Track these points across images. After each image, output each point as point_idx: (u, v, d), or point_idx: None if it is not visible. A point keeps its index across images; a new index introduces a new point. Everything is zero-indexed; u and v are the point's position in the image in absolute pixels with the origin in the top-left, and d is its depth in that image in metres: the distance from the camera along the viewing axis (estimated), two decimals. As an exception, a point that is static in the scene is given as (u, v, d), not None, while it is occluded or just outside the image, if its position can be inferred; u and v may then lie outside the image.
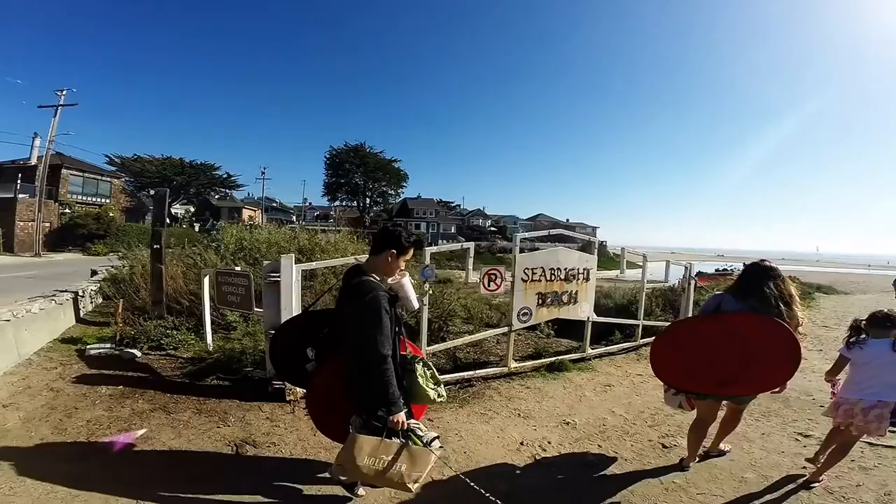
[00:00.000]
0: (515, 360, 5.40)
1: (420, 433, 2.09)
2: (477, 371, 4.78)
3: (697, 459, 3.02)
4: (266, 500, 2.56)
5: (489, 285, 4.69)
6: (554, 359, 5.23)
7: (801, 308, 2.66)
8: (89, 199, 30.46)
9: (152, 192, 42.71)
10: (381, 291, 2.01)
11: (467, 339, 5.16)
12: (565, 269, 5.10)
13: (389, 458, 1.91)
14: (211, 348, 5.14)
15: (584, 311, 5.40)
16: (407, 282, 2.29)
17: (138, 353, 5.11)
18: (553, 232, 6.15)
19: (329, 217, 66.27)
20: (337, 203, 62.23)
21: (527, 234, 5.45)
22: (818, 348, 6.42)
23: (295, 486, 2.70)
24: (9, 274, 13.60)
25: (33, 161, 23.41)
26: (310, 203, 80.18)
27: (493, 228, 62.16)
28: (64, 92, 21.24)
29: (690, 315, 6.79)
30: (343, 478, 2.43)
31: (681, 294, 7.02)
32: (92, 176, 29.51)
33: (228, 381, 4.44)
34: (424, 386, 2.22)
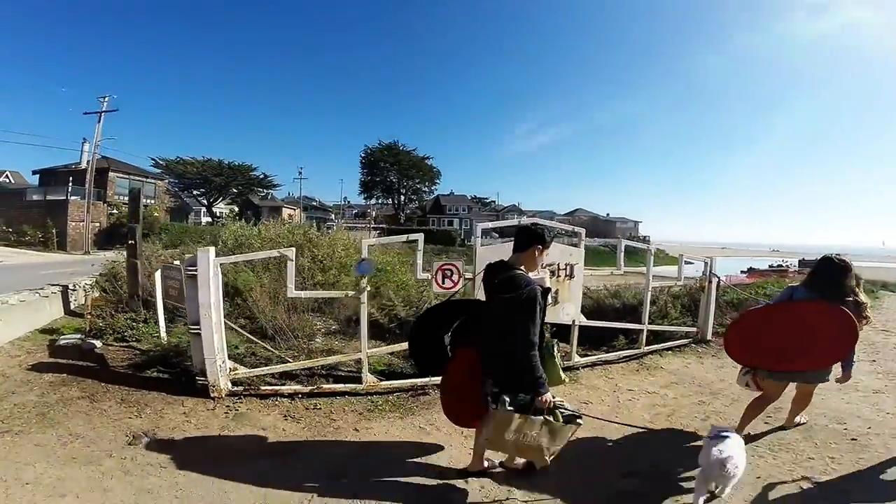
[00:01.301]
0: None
1: (563, 411, 2.36)
2: (433, 378, 4.25)
3: (746, 433, 3.06)
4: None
5: (443, 282, 4.17)
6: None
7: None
8: (136, 199, 32.65)
9: (195, 192, 45.81)
10: (535, 285, 2.22)
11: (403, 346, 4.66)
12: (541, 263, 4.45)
13: (533, 433, 2.25)
14: (165, 341, 5.04)
15: (567, 312, 4.72)
16: (546, 275, 2.75)
17: (98, 344, 5.12)
18: (525, 221, 5.43)
19: (366, 215, 67.70)
20: (373, 201, 63.53)
21: (491, 224, 4.83)
22: (871, 358, 5.28)
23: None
24: (54, 270, 14.71)
25: (83, 165, 25.48)
26: (348, 201, 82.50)
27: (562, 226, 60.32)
28: (106, 98, 22.93)
29: (711, 317, 5.92)
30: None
31: (702, 292, 6.08)
32: (137, 178, 31.70)
33: (168, 373, 4.38)
34: (559, 368, 2.51)
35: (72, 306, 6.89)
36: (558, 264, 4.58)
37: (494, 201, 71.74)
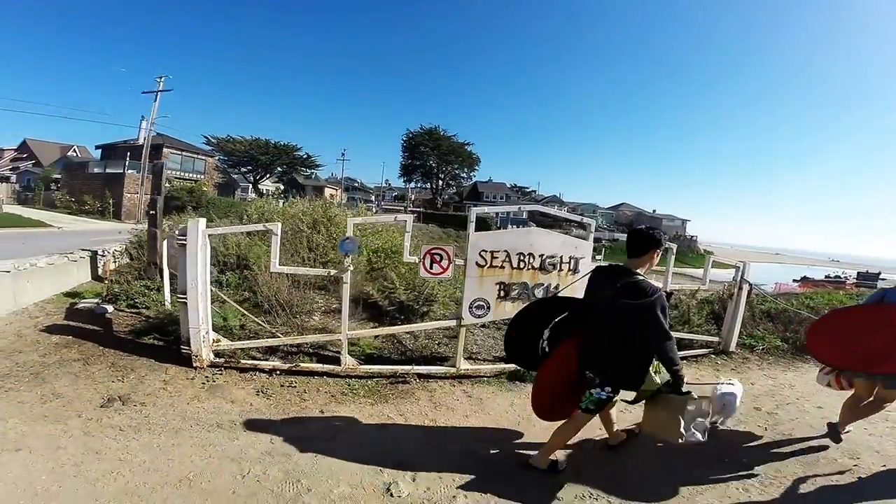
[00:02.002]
0: (476, 362, 4.66)
1: (693, 396, 2.56)
2: (416, 367, 4.14)
3: (847, 430, 3.27)
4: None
5: (432, 267, 3.99)
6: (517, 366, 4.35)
7: None
8: (187, 174, 34.76)
9: (242, 169, 48.08)
10: (661, 290, 2.39)
11: (387, 330, 4.58)
12: (540, 255, 4.15)
13: (672, 412, 2.53)
14: (170, 309, 5.22)
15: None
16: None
17: (110, 309, 5.39)
18: (526, 208, 5.11)
19: (405, 198, 68.44)
20: (412, 185, 64.02)
21: (488, 209, 4.54)
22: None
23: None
24: (103, 237, 15.99)
25: (140, 141, 27.26)
26: (389, 184, 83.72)
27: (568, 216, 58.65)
28: (163, 78, 24.27)
29: (738, 327, 5.37)
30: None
31: (729, 300, 5.50)
32: (189, 154, 33.65)
33: (163, 341, 4.51)
34: (652, 373, 2.59)
35: (99, 271, 7.35)
36: (560, 257, 4.23)
37: (535, 191, 69.98)
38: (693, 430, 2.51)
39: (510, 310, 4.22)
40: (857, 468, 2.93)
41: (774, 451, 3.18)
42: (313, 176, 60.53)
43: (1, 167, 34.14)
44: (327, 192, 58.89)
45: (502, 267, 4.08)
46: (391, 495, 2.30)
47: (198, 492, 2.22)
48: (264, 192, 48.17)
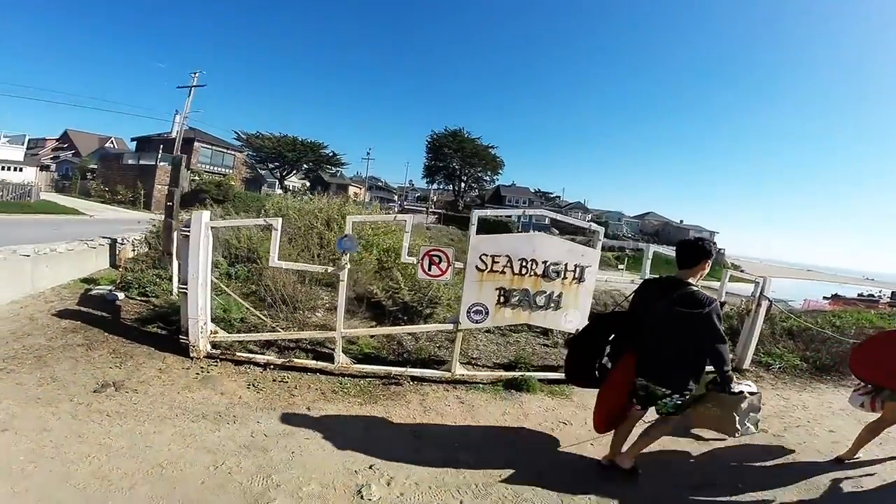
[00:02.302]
0: (476, 367, 4.57)
1: (745, 395, 2.82)
2: (410, 369, 4.08)
3: (857, 456, 3.19)
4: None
5: (430, 269, 3.92)
6: (518, 374, 4.22)
7: None
8: (216, 168, 35.94)
9: (270, 165, 49.36)
10: (716, 300, 2.54)
11: (384, 330, 4.54)
12: (544, 261, 4.02)
13: (726, 409, 2.79)
14: (176, 298, 5.33)
15: (569, 320, 4.22)
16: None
17: (121, 296, 5.55)
18: (531, 212, 4.96)
19: (427, 199, 68.85)
20: (434, 186, 64.34)
21: (490, 212, 4.43)
22: None
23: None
24: (131, 226, 16.69)
25: (173, 134, 28.28)
26: (412, 184, 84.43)
27: (593, 223, 57.57)
28: (196, 74, 25.16)
29: (753, 344, 5.09)
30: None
31: (746, 316, 5.22)
32: (219, 149, 34.78)
33: (166, 330, 4.60)
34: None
35: (117, 259, 7.61)
36: (565, 264, 4.08)
37: (559, 196, 69.08)
38: (747, 423, 2.75)
39: (510, 316, 4.12)
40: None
41: (775, 476, 2.96)
42: (338, 174, 61.56)
43: (42, 156, 36.13)
44: (351, 190, 59.77)
45: (503, 272, 3.97)
46: (361, 497, 2.25)
47: (167, 480, 2.22)
48: (290, 188, 49.37)
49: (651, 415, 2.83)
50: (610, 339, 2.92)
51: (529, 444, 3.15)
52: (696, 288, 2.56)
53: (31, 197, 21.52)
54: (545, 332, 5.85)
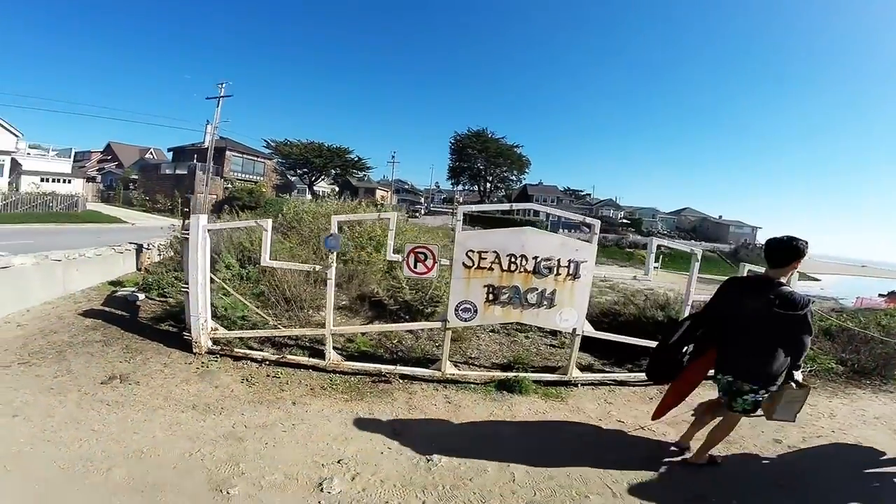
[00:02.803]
0: (472, 367, 4.59)
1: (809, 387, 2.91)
2: (400, 367, 4.15)
3: None
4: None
5: (415, 266, 3.99)
6: (512, 375, 4.21)
7: None
8: (247, 176, 37.54)
9: (298, 171, 51.01)
10: (811, 300, 2.66)
11: (375, 327, 4.60)
12: (534, 257, 4.00)
13: (799, 400, 2.83)
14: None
15: (565, 319, 4.17)
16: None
17: (142, 297, 5.96)
18: (518, 206, 4.91)
19: (453, 200, 69.19)
20: (459, 187, 64.60)
21: (475, 208, 4.43)
22: None
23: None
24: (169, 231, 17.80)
25: (206, 144, 29.81)
26: (438, 186, 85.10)
27: (625, 221, 56.09)
28: (223, 84, 26.44)
29: None
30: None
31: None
32: (249, 157, 36.35)
33: (176, 327, 4.88)
34: None
35: (140, 263, 8.14)
36: (557, 260, 4.04)
37: (589, 194, 67.64)
38: (787, 411, 2.85)
39: (499, 315, 4.12)
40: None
41: (775, 495, 2.81)
42: (366, 178, 62.86)
43: (88, 168, 38.93)
44: (378, 193, 60.96)
45: (491, 269, 3.98)
46: (321, 490, 2.33)
47: (143, 463, 2.40)
48: (320, 193, 50.82)
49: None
50: (695, 336, 2.99)
51: (510, 448, 3.09)
52: (788, 287, 2.65)
53: (78, 207, 23.28)
54: (553, 332, 5.80)
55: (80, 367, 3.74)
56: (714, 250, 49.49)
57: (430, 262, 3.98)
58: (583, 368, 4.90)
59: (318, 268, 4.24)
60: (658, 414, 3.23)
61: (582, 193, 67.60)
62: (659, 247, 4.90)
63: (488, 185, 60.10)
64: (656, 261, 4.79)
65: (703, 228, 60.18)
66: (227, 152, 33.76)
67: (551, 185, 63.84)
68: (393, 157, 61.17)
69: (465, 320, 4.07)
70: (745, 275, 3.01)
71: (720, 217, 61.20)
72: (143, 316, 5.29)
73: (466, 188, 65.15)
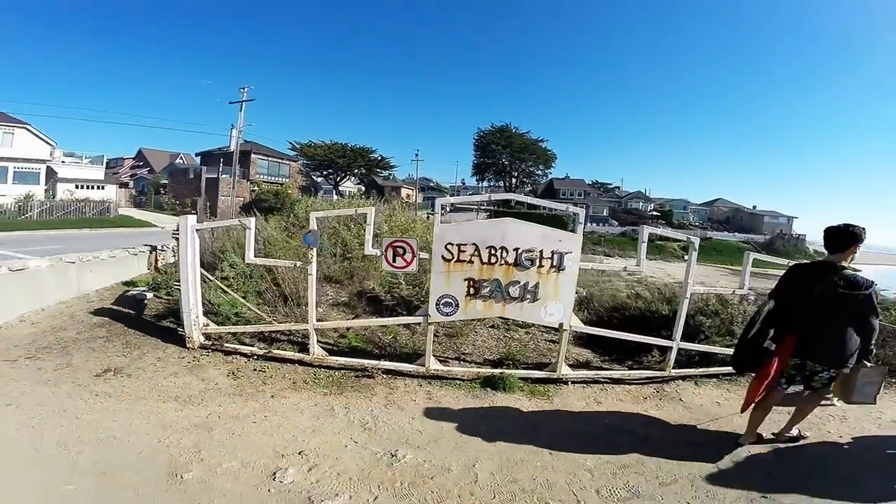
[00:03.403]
0: (462, 363, 4.60)
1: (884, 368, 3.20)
2: (384, 363, 4.21)
3: None
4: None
5: (394, 260, 4.04)
6: (498, 372, 4.18)
7: None
8: (273, 178, 38.78)
9: (323, 172, 52.20)
10: (873, 282, 2.86)
11: (357, 322, 4.69)
12: (515, 248, 3.96)
13: (875, 381, 3.03)
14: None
15: (550, 313, 4.11)
16: None
17: (150, 296, 6.29)
18: (496, 197, 4.85)
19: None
20: (485, 183, 64.41)
21: (452, 200, 4.42)
22: None
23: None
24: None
25: (232, 148, 31.01)
26: (464, 183, 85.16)
27: (654, 213, 54.39)
28: (245, 89, 27.42)
29: None
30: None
31: None
32: (275, 160, 37.57)
33: (176, 324, 5.13)
34: None
35: (158, 264, 8.58)
36: (540, 251, 3.99)
37: (619, 187, 65.88)
38: (865, 392, 2.98)
39: (481, 309, 4.10)
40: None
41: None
42: (391, 177, 63.61)
43: (121, 174, 41.24)
44: (404, 192, 61.65)
45: (471, 262, 3.97)
46: (273, 479, 2.41)
47: (112, 448, 2.57)
48: (346, 193, 51.82)
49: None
50: (772, 322, 3.12)
51: (480, 448, 3.03)
52: (851, 270, 2.87)
53: (110, 212, 24.81)
54: (556, 328, 5.72)
55: (80, 361, 4.01)
56: (748, 241, 47.97)
57: (408, 256, 4.02)
58: (579, 365, 4.82)
59: (298, 264, 4.35)
60: (746, 405, 3.27)
61: (611, 186, 65.94)
62: (688, 238, 4.81)
63: (514, 180, 59.61)
64: (687, 253, 4.63)
65: (736, 219, 58.62)
66: (253, 155, 35.03)
67: (578, 178, 62.68)
68: (416, 155, 61.47)
69: (447, 315, 4.08)
70: (810, 262, 3.21)
71: (754, 207, 59.33)
72: (147, 314, 5.59)
73: (492, 184, 64.88)
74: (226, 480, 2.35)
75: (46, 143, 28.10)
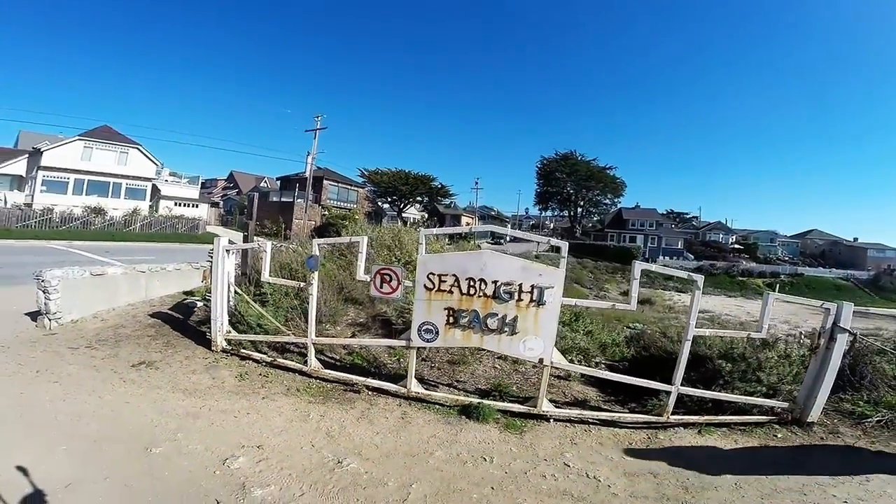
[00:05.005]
0: (453, 390, 4.74)
1: None
2: (369, 380, 4.54)
3: None
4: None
5: (381, 286, 4.40)
6: (476, 401, 4.31)
7: None
8: (342, 203, 41.67)
9: (389, 199, 55.12)
10: None
11: (343, 340, 5.13)
12: (494, 281, 4.14)
13: None
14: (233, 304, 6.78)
15: (530, 348, 4.16)
16: None
17: (200, 304, 7.25)
18: (478, 229, 4.98)
19: (541, 226, 68.26)
20: (548, 212, 63.71)
21: (436, 231, 4.71)
22: None
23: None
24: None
25: (307, 174, 34.09)
26: (527, 212, 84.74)
27: (737, 246, 49.60)
28: (319, 117, 30.33)
29: (824, 391, 4.21)
30: None
31: (812, 354, 4.37)
32: (344, 186, 40.55)
33: (209, 329, 5.84)
34: None
35: (204, 277, 9.77)
36: (519, 285, 4.10)
37: (696, 217, 61.36)
38: None
39: (460, 338, 4.28)
40: None
41: None
42: (452, 205, 65.26)
43: (214, 194, 46.70)
44: (464, 220, 62.83)
45: (451, 292, 4.20)
46: (223, 464, 2.82)
47: (108, 421, 3.19)
48: (409, 220, 54.15)
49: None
50: None
51: (424, 472, 3.14)
52: None
53: (199, 229, 28.31)
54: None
55: (125, 353, 4.84)
56: (848, 278, 42.70)
57: (394, 283, 4.37)
58: (572, 403, 4.76)
59: (302, 285, 4.89)
60: None
61: (687, 216, 61.69)
62: (775, 274, 4.71)
63: (579, 209, 58.25)
64: (773, 289, 4.42)
65: (833, 253, 51.92)
66: (325, 181, 38.17)
67: (650, 207, 59.40)
68: (476, 183, 62.97)
69: (427, 341, 4.33)
70: None
71: (855, 240, 51.89)
72: (193, 319, 6.48)
73: (556, 213, 63.86)
74: (184, 459, 2.81)
75: (153, 162, 32.99)
